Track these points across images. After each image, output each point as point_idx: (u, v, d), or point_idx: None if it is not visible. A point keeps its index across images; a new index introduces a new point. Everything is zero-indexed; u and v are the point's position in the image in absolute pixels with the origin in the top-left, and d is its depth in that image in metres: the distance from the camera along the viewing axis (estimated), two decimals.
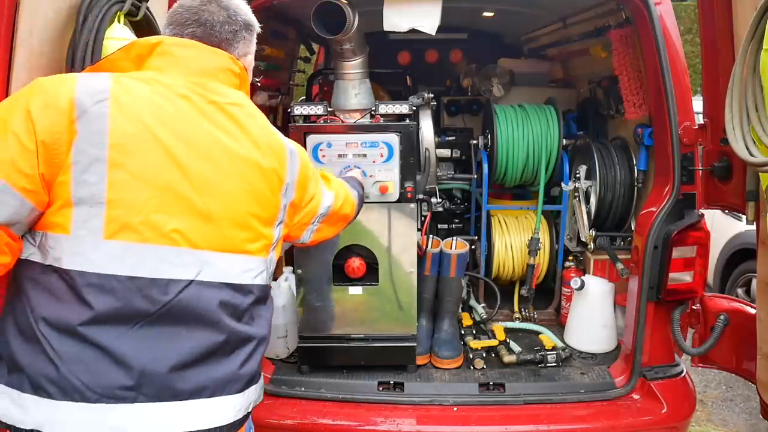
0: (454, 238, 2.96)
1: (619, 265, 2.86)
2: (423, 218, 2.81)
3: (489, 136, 3.27)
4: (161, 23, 1.65)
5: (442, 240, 2.96)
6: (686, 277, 2.53)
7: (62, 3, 1.74)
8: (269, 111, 3.61)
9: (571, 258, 3.29)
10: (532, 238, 3.29)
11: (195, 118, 1.39)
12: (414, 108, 2.62)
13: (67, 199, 1.27)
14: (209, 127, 1.40)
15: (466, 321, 3.16)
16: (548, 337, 2.96)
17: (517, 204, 3.52)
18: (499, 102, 3.69)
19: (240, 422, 1.45)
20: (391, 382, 2.61)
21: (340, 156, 2.54)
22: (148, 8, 1.97)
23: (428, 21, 2.53)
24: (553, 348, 2.82)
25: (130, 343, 1.29)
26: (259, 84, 3.20)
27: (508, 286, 3.46)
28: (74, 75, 1.37)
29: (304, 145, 2.52)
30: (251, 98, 1.57)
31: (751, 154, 1.94)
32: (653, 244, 2.47)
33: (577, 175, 3.23)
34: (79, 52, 1.71)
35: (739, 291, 4.80)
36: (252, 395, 1.49)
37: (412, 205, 2.60)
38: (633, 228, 2.95)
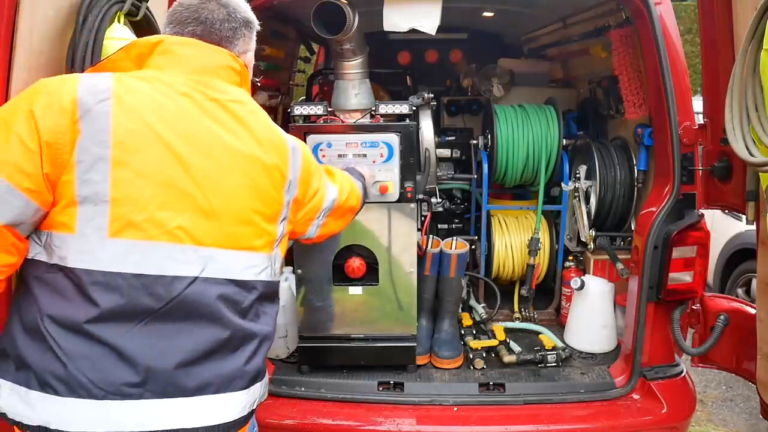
0: (454, 238, 2.96)
1: (619, 265, 2.86)
2: (423, 218, 2.81)
3: (489, 136, 3.27)
4: (161, 23, 1.65)
5: (442, 240, 2.95)
6: (686, 277, 2.53)
7: (62, 2, 1.74)
8: (269, 111, 3.57)
9: (571, 258, 3.29)
10: (532, 238, 3.29)
11: (196, 115, 1.39)
12: (414, 108, 2.61)
13: (72, 198, 1.28)
14: (211, 124, 1.40)
15: (466, 321, 3.16)
16: (548, 337, 2.96)
17: (517, 204, 3.52)
18: (499, 102, 3.69)
19: (245, 419, 1.45)
20: (391, 382, 2.61)
21: (340, 156, 2.54)
22: (148, 8, 1.97)
23: (428, 21, 2.53)
24: (553, 348, 2.82)
25: (136, 340, 1.30)
26: (259, 84, 3.20)
27: (508, 286, 3.45)
28: (76, 75, 1.37)
29: None
30: (251, 97, 1.57)
31: (751, 154, 1.95)
32: (653, 244, 2.47)
33: (577, 175, 3.23)
34: (79, 52, 1.71)
35: (739, 291, 4.80)
36: (257, 392, 1.49)
37: (412, 205, 2.60)
38: (633, 228, 2.95)
